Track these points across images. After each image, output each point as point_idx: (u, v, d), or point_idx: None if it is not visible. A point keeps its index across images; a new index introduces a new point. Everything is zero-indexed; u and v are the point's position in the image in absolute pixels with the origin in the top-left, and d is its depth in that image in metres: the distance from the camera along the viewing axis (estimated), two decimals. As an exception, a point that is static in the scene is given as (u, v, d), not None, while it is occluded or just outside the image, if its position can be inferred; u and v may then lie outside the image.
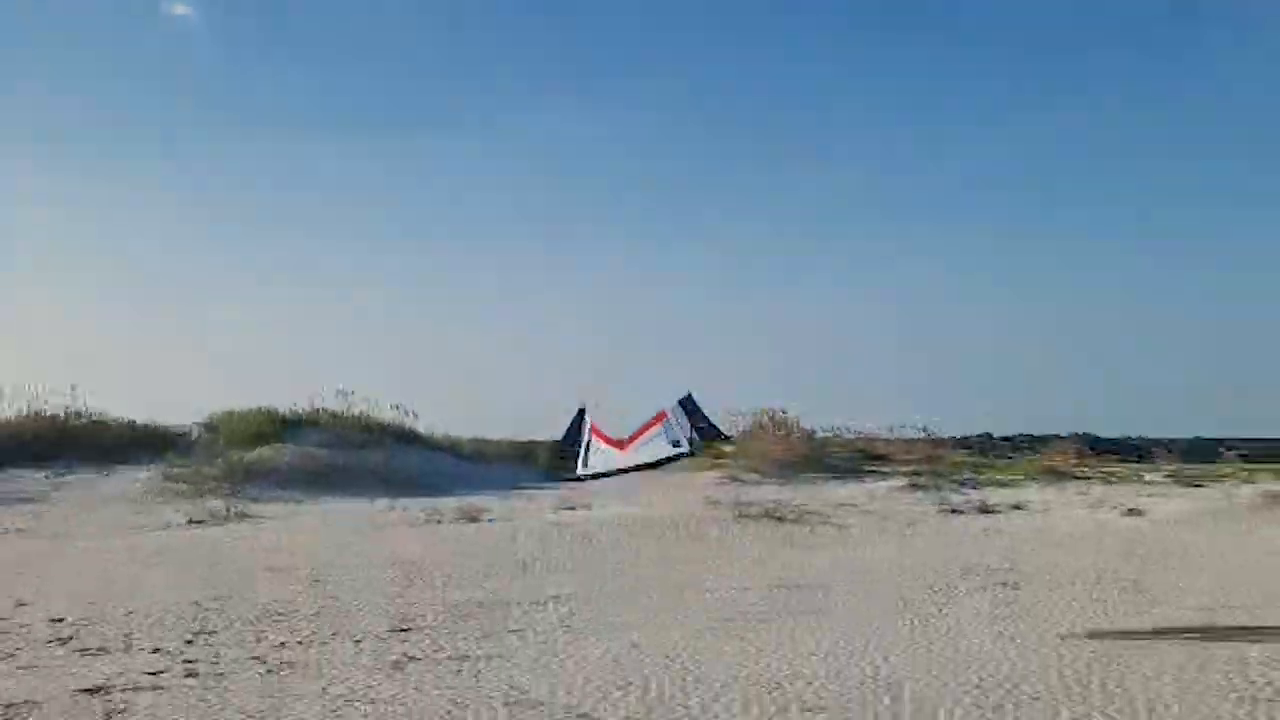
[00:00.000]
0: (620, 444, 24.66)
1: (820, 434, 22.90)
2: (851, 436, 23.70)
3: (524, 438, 26.53)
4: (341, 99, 50.09)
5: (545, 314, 43.07)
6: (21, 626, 7.00)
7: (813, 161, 48.07)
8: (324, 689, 5.44)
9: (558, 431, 26.52)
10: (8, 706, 5.09)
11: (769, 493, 15.41)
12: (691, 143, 50.74)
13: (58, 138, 47.96)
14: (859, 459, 21.49)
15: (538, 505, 16.48)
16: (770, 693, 5.24)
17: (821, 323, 42.98)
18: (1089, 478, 17.24)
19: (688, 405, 24.19)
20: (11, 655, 6.25)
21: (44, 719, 4.92)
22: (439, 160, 49.62)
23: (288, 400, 24.24)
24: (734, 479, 19.41)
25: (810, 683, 5.43)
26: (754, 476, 19.72)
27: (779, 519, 13.00)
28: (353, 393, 24.71)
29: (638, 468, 23.35)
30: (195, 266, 46.49)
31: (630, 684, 5.40)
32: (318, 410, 24.49)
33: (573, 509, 14.72)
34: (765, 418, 23.82)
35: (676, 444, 23.36)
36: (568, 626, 7.10)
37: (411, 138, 48.12)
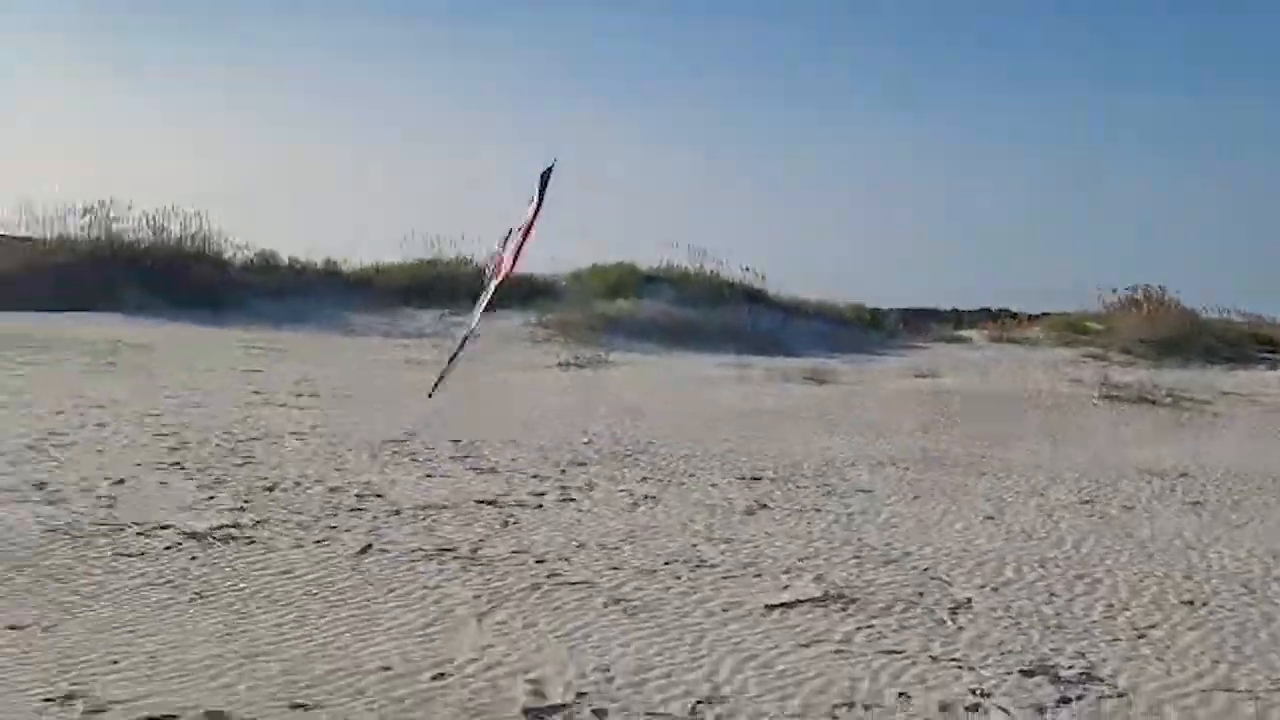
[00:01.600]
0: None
1: (1204, 315, 20.74)
2: (1241, 320, 21.28)
3: (870, 302, 26.19)
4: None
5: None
6: (428, 446, 8.01)
7: None
8: (684, 524, 5.82)
9: (898, 299, 25.91)
10: (424, 507, 5.90)
11: (1139, 375, 14.24)
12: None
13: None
14: (1248, 343, 19.27)
15: (885, 370, 16.33)
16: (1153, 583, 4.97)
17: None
18: None
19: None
20: (421, 465, 7.20)
21: (453, 518, 5.65)
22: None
23: (645, 257, 25.38)
24: (1098, 358, 18.11)
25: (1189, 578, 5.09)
26: (1122, 357, 18.29)
27: (1152, 402, 12.04)
28: (705, 252, 25.40)
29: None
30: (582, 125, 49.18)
31: (986, 556, 5.32)
32: (672, 268, 25.43)
33: (924, 376, 14.42)
34: (1140, 294, 21.89)
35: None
36: (915, 494, 7.06)
37: None
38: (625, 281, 23.94)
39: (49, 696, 3.04)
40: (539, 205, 8.90)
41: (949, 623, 4.17)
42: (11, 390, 9.72)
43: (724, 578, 4.74)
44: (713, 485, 7.05)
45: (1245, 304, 21.83)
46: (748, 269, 25.20)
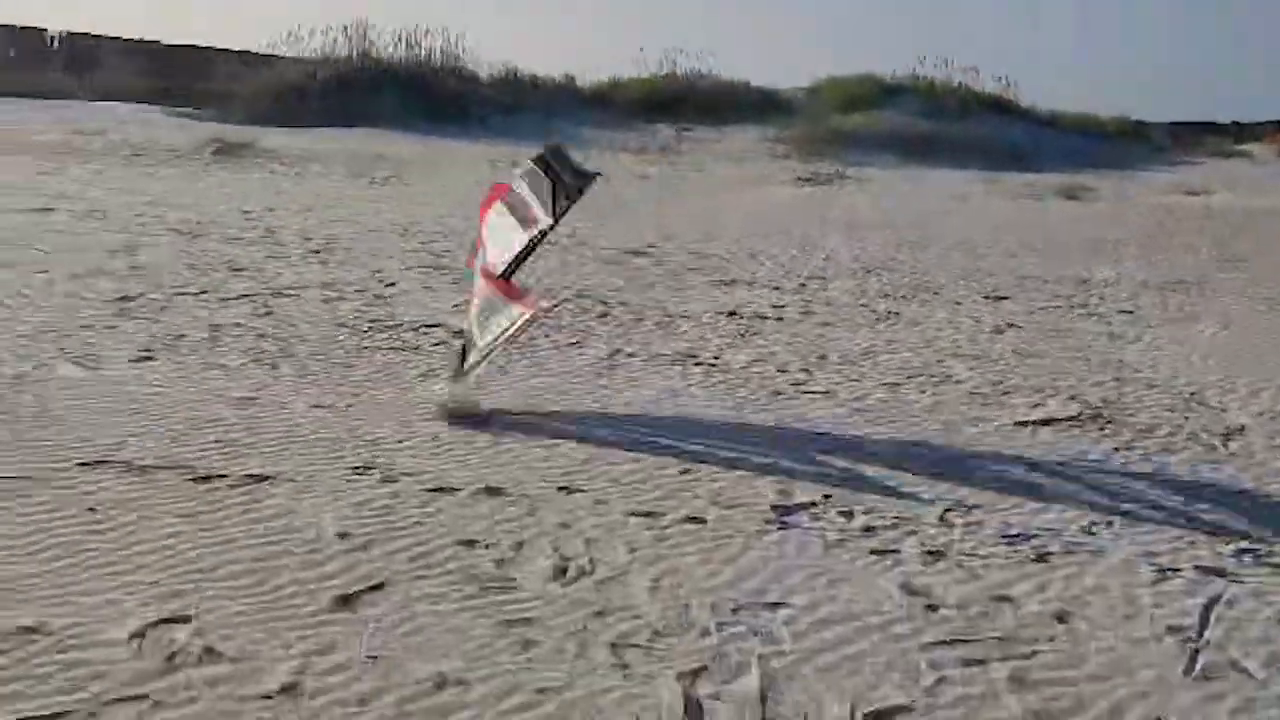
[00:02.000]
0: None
1: None
2: None
3: (1134, 115, 23.97)
4: None
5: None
6: (669, 256, 8.15)
7: None
8: (927, 341, 5.72)
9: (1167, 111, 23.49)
10: (667, 317, 6.07)
11: None
12: None
13: None
14: None
15: (1149, 186, 15.08)
16: None
17: None
18: None
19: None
20: (664, 276, 7.36)
21: (694, 328, 5.80)
22: None
23: (888, 66, 24.09)
24: None
25: None
26: None
27: None
28: (951, 61, 23.85)
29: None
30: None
31: (1262, 384, 4.96)
32: (917, 78, 24.08)
33: (1194, 193, 13.21)
34: None
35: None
36: (1182, 316, 6.61)
37: None
38: (865, 94, 22.91)
39: (354, 466, 3.43)
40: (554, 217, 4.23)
41: (1220, 448, 3.96)
42: (289, 194, 10.54)
43: (971, 393, 4.66)
44: (957, 303, 6.86)
45: None
46: (1000, 79, 23.53)
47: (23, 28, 24.16)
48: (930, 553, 2.96)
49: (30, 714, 2.01)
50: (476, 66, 23.00)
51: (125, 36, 24.32)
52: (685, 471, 3.54)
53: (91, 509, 2.96)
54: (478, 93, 22.01)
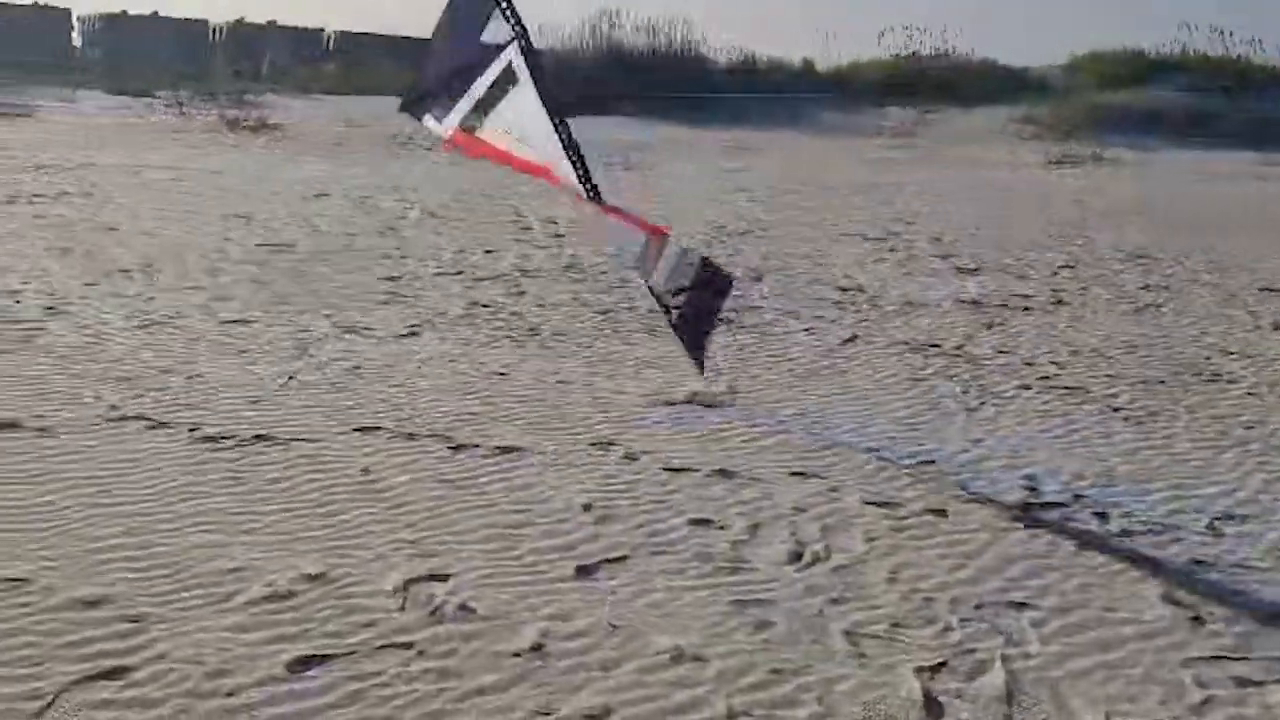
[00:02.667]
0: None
1: None
2: None
3: None
4: None
5: None
6: (909, 242, 7.94)
7: None
8: (1194, 336, 5.31)
9: None
10: (907, 303, 5.92)
11: None
12: None
13: None
14: None
15: None
16: None
17: None
18: None
19: None
20: (902, 263, 7.18)
21: (935, 316, 5.63)
22: None
23: (1153, 41, 22.40)
24: None
25: None
26: None
27: None
28: (1231, 34, 21.86)
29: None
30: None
31: None
32: (1188, 52, 22.26)
33: None
34: None
35: None
36: None
37: None
38: (1128, 69, 21.38)
39: (596, 441, 3.56)
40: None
41: None
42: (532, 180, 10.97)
43: (1247, 394, 4.30)
44: (1230, 295, 6.32)
45: None
46: (1287, 50, 21.32)
47: (304, 29, 26.39)
48: (1196, 562, 2.76)
49: (311, 652, 2.22)
50: (714, 54, 23.14)
51: (391, 33, 26.08)
52: (925, 463, 3.46)
53: (365, 470, 3.22)
54: (715, 79, 22.11)
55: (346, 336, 4.81)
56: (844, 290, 6.21)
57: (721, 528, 2.90)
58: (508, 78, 3.83)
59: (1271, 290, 6.47)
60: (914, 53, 22.93)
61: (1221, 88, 20.64)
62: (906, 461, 3.46)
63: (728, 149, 15.80)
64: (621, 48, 22.78)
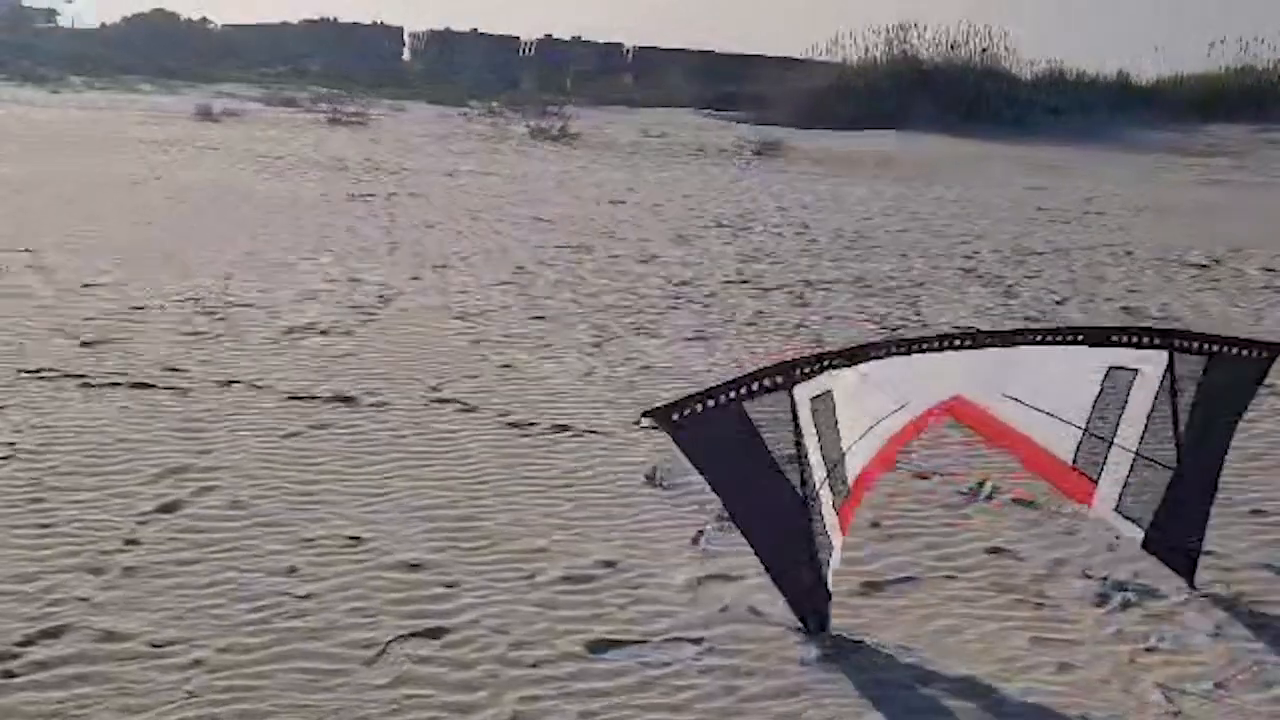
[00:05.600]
0: None
1: None
2: None
3: None
4: None
5: None
6: (1237, 271, 7.25)
7: None
8: None
9: None
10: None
11: None
12: None
13: None
14: None
15: None
16: None
17: None
18: None
19: None
20: (1228, 292, 6.56)
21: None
22: None
23: None
24: None
25: None
26: None
27: None
28: None
29: None
30: None
31: None
32: None
33: None
34: None
35: None
36: None
37: None
38: None
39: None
40: None
41: None
42: (820, 193, 10.90)
43: None
44: None
45: None
46: None
47: (605, 43, 27.61)
48: None
49: (608, 635, 2.32)
50: (1019, 67, 22.08)
51: (684, 48, 26.75)
52: (1254, 512, 3.15)
53: (650, 474, 3.30)
54: (1018, 93, 21.08)
55: (642, 337, 4.99)
56: (1158, 320, 5.76)
57: (1021, 559, 2.77)
58: None
59: None
60: (1248, 65, 20.88)
61: None
62: (1239, 509, 3.15)
63: (1030, 167, 15.03)
64: (918, 60, 22.20)
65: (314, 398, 3.87)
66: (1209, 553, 2.81)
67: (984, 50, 22.10)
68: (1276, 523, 3.10)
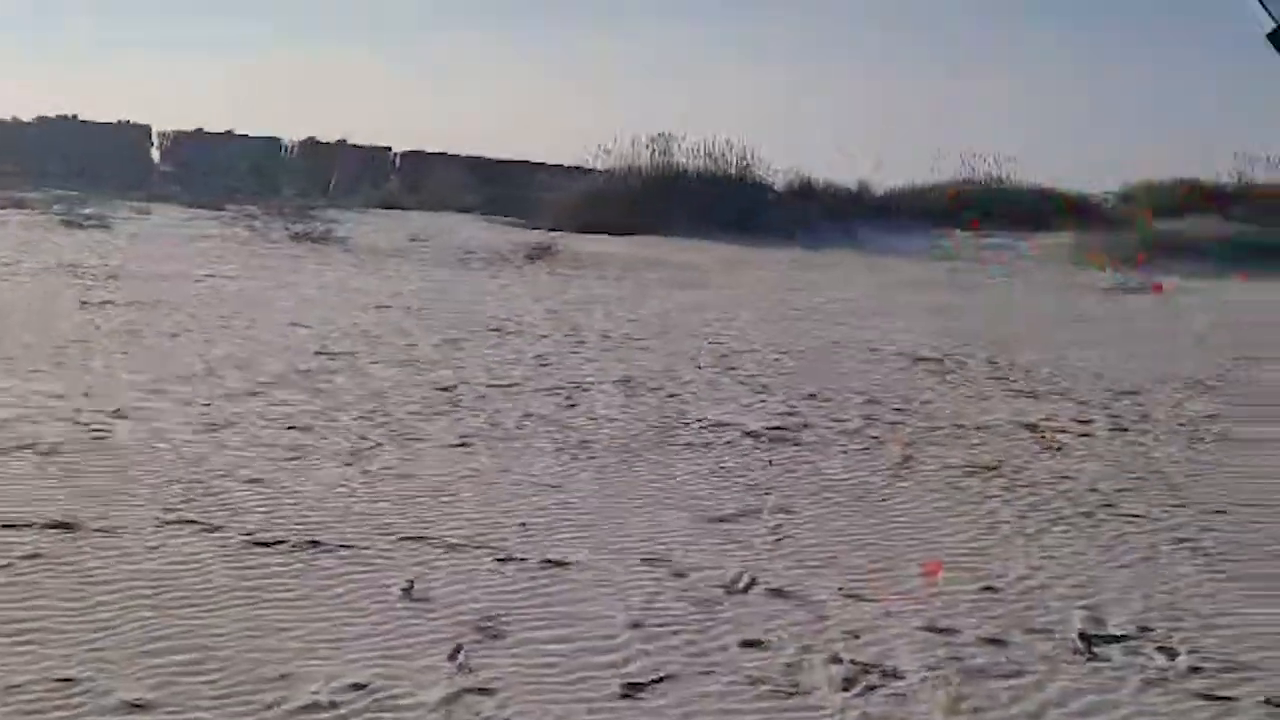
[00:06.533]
0: None
1: None
2: None
3: None
4: None
5: None
6: (964, 364, 7.89)
7: None
8: (1257, 467, 5.17)
9: None
10: (961, 426, 5.85)
11: None
12: None
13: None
14: None
15: None
16: None
17: None
18: None
19: None
20: (958, 385, 7.12)
21: (993, 439, 5.55)
22: None
23: (1210, 170, 22.48)
24: None
25: None
26: None
27: None
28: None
29: None
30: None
31: None
32: (1244, 183, 22.27)
33: None
34: None
35: None
36: None
37: None
38: (1183, 199, 21.40)
39: (646, 557, 3.53)
40: None
41: None
42: (603, 300, 11.14)
43: (1322, 533, 4.15)
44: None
45: None
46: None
47: (372, 147, 27.44)
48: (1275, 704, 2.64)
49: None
50: (771, 176, 23.56)
51: (453, 152, 26.98)
52: (986, 589, 3.37)
53: (407, 586, 3.18)
54: (771, 200, 22.47)
55: (396, 445, 4.86)
56: (899, 410, 6.17)
57: (772, 649, 2.84)
58: None
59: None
60: (970, 178, 23.21)
61: (1277, 219, 20.53)
62: (968, 587, 3.37)
63: (787, 270, 15.96)
64: (678, 169, 23.31)
65: (28, 525, 3.51)
66: (943, 629, 2.99)
67: (742, 161, 23.47)
68: (1005, 598, 3.33)
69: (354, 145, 27.38)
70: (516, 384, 6.41)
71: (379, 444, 4.85)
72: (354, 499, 4.02)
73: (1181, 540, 3.98)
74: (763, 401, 6.33)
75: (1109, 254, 18.21)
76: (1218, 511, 4.35)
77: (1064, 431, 5.80)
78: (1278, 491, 4.71)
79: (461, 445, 4.94)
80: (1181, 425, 6.08)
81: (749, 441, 5.29)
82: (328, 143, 27.38)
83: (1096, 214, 21.76)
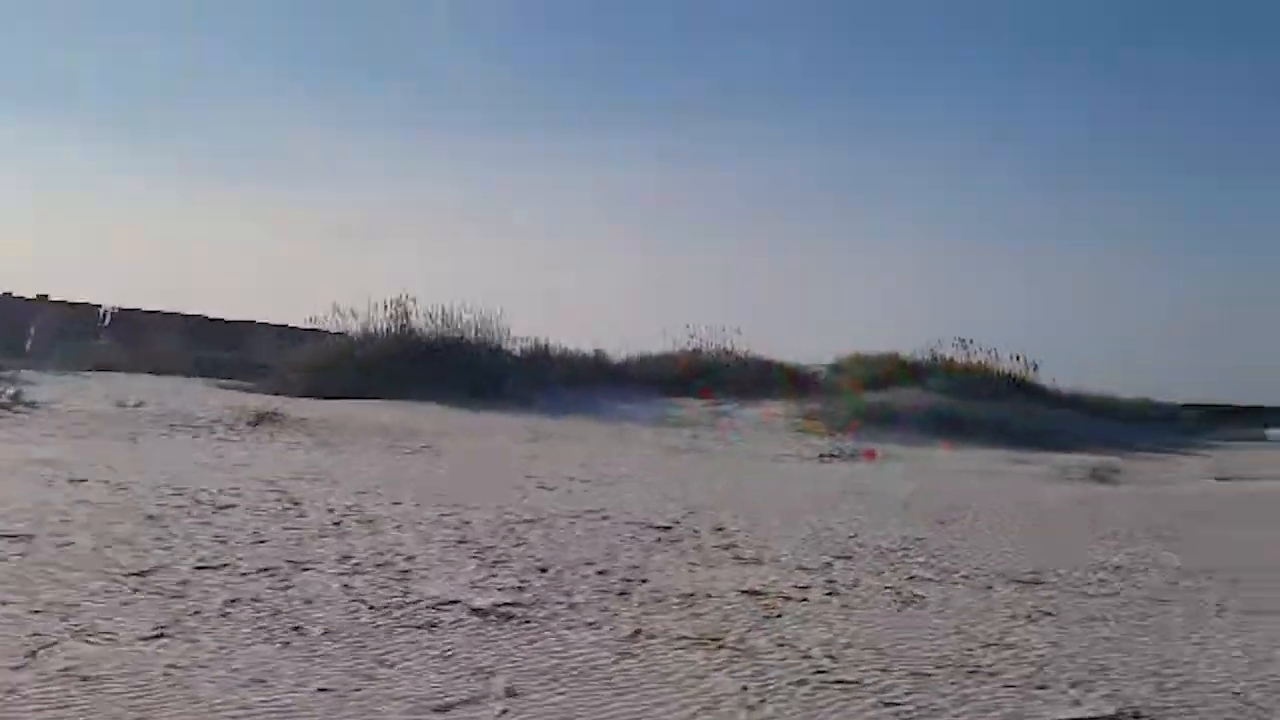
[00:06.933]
0: None
1: None
2: None
3: (1164, 398, 24.29)
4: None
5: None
6: (694, 532, 8.10)
7: None
8: (957, 628, 5.53)
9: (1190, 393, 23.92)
10: (689, 595, 5.94)
11: None
12: None
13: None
14: None
15: (1180, 471, 15.01)
16: None
17: None
18: None
19: None
20: (687, 553, 7.27)
21: (718, 608, 5.66)
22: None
23: (910, 345, 24.84)
24: None
25: None
26: None
27: None
28: (972, 341, 24.55)
29: None
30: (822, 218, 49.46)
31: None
32: (938, 358, 24.72)
33: (1228, 479, 13.13)
34: None
35: None
36: (1247, 610, 6.40)
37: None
38: (888, 372, 23.48)
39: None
40: None
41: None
42: (328, 470, 10.70)
43: (1004, 687, 4.45)
44: (987, 586, 6.69)
45: None
46: (1018, 358, 24.14)
47: (75, 304, 25.58)
48: None
49: None
50: (509, 342, 23.88)
51: (171, 310, 25.64)
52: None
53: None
54: (509, 366, 22.72)
55: (80, 641, 4.35)
56: (628, 580, 6.19)
57: None
58: None
59: (1030, 582, 6.89)
60: (697, 349, 24.49)
61: (969, 390, 22.86)
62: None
63: (525, 436, 16.00)
64: (415, 333, 23.20)
65: None
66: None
67: (481, 326, 23.69)
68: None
69: (56, 301, 25.47)
70: (227, 564, 5.96)
71: (57, 640, 4.31)
72: (21, 708, 3.53)
73: (888, 703, 4.15)
74: (493, 575, 6.19)
75: (826, 422, 19.57)
76: (922, 674, 4.59)
77: (786, 598, 6.01)
78: (971, 652, 5.04)
79: (158, 636, 4.48)
80: (888, 588, 6.45)
81: (476, 620, 5.13)
82: (26, 297, 25.33)
83: (814, 384, 23.43)
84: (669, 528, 8.24)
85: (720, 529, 8.29)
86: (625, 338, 26.87)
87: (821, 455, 15.59)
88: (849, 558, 7.41)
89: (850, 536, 8.30)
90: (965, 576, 6.98)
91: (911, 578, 6.83)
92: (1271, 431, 22.64)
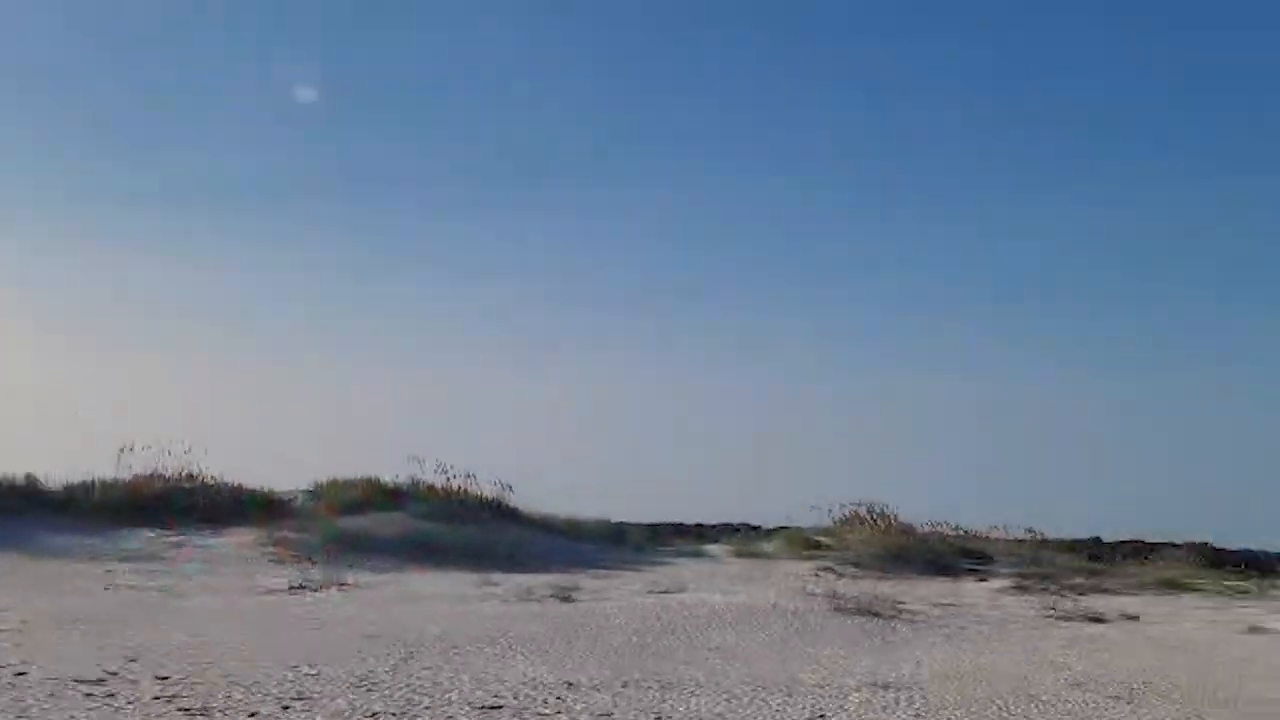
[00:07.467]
0: None
1: (921, 529, 22.54)
2: (953, 533, 23.22)
3: (616, 517, 26.59)
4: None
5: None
6: (132, 682, 7.24)
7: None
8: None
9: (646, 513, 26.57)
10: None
11: (866, 586, 15.07)
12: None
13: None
14: (961, 556, 21.02)
15: (626, 586, 16.42)
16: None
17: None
18: (1210, 590, 16.51)
19: None
20: (120, 710, 6.46)
21: (148, 775, 5.07)
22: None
23: (390, 470, 24.77)
24: (829, 570, 19.08)
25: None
26: (851, 570, 19.35)
27: (875, 614, 12.70)
28: (452, 467, 25.13)
29: None
30: (300, 332, 48.32)
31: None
32: (417, 482, 24.93)
33: (664, 591, 14.60)
34: (863, 510, 23.53)
35: None
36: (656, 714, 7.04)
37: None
38: (366, 497, 23.17)
39: None
40: None
41: None
42: None
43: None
44: (450, 719, 6.74)
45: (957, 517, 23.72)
46: (496, 483, 25.11)
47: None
48: None
49: None
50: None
51: None
52: None
53: None
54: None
55: None
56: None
57: None
58: None
59: (492, 706, 7.03)
60: (155, 472, 22.35)
61: (448, 515, 23.27)
62: None
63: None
64: None
65: None
66: None
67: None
68: None
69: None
70: None
71: None
72: None
73: None
74: None
75: (299, 550, 18.71)
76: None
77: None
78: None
79: None
80: (348, 729, 6.24)
81: None
82: None
83: (288, 510, 22.37)
84: (103, 680, 7.29)
85: (163, 678, 7.50)
86: (72, 463, 23.46)
87: (291, 586, 14.81)
88: (310, 698, 7.08)
89: (311, 674, 7.93)
90: (429, 708, 6.96)
91: (374, 714, 6.68)
92: (709, 547, 25.64)
